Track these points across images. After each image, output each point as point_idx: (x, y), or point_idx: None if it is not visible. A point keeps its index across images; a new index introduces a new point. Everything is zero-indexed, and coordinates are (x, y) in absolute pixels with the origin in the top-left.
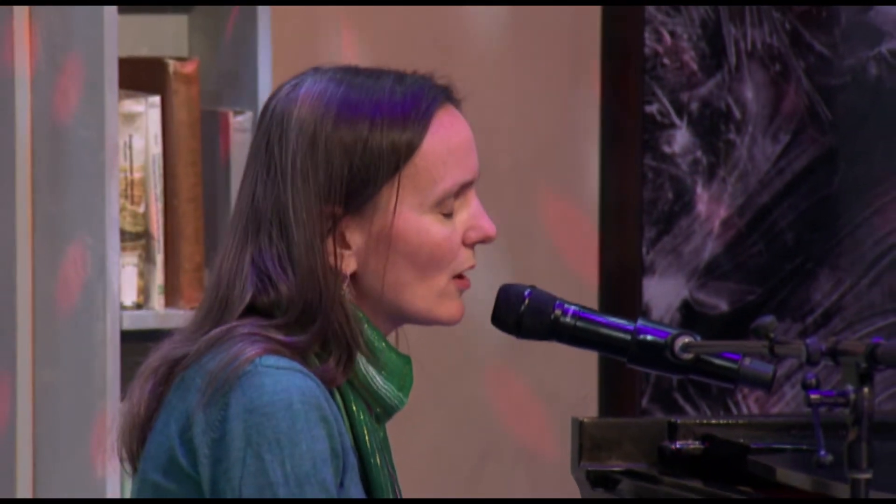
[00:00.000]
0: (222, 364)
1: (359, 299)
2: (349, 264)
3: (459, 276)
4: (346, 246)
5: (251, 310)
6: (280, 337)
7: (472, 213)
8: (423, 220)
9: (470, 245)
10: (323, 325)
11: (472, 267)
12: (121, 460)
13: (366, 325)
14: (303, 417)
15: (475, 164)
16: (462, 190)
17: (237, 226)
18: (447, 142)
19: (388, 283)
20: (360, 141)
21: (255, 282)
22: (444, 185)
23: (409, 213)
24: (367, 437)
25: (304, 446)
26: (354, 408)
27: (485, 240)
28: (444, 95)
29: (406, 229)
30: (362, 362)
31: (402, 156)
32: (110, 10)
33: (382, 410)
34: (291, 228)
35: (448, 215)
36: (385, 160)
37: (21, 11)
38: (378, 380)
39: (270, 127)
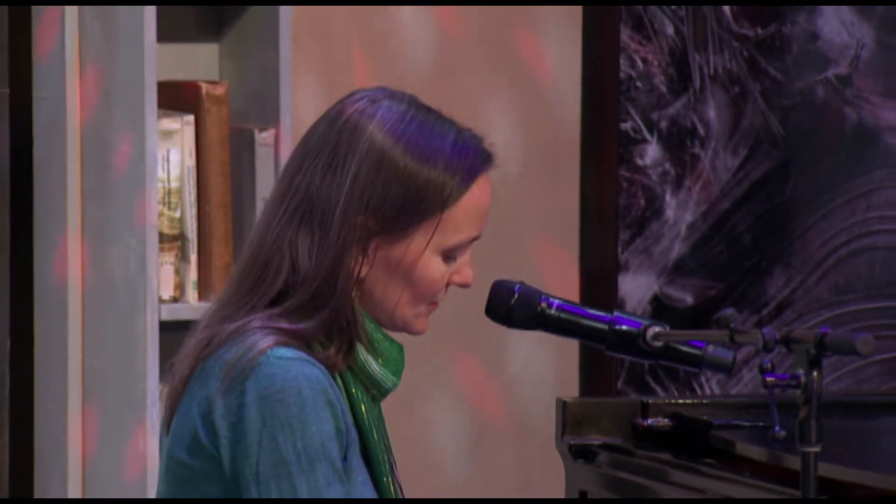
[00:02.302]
0: (238, 355)
1: (360, 300)
2: (363, 270)
3: (433, 303)
4: (365, 254)
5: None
6: (288, 325)
7: (463, 262)
8: (433, 259)
9: (449, 284)
10: (330, 316)
11: (441, 300)
12: (162, 423)
13: (366, 319)
14: (311, 402)
15: (485, 224)
16: (467, 245)
17: (287, 205)
18: (479, 203)
19: (385, 296)
20: (421, 177)
21: (289, 266)
22: (461, 237)
23: (427, 251)
24: (365, 416)
25: (313, 428)
26: (354, 390)
27: (462, 285)
28: (489, 161)
29: (419, 262)
30: (361, 351)
31: (447, 202)
32: (150, 40)
33: (378, 392)
34: (333, 224)
35: (449, 260)
36: (433, 201)
37: (72, 42)
38: (375, 366)
39: (343, 131)
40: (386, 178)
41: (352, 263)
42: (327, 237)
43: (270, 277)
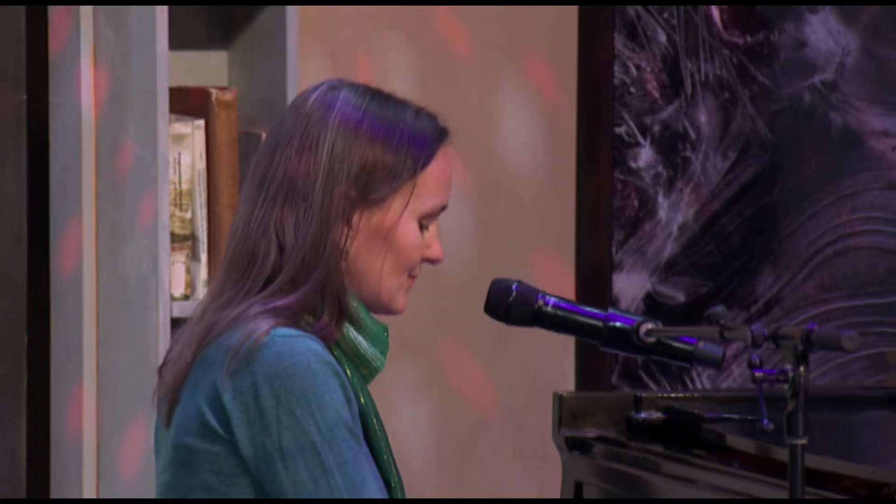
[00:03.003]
0: (241, 339)
1: (346, 277)
2: (349, 242)
3: (412, 277)
4: (349, 226)
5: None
6: (281, 301)
7: (432, 236)
8: (411, 224)
9: (425, 259)
10: (319, 285)
11: (418, 275)
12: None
13: (352, 299)
14: (320, 373)
15: (450, 195)
16: (438, 213)
17: (267, 191)
18: (443, 171)
19: (369, 264)
20: (394, 144)
21: (277, 247)
22: (435, 201)
23: (405, 216)
24: (361, 395)
25: (327, 397)
26: (348, 371)
27: (434, 260)
28: (446, 134)
29: (398, 227)
30: (351, 330)
31: (418, 167)
32: (162, 48)
33: (368, 372)
34: (315, 198)
35: (423, 227)
36: (407, 167)
37: (87, 49)
38: (364, 343)
39: (311, 114)
40: (362, 148)
41: (338, 234)
42: (311, 210)
43: (260, 260)
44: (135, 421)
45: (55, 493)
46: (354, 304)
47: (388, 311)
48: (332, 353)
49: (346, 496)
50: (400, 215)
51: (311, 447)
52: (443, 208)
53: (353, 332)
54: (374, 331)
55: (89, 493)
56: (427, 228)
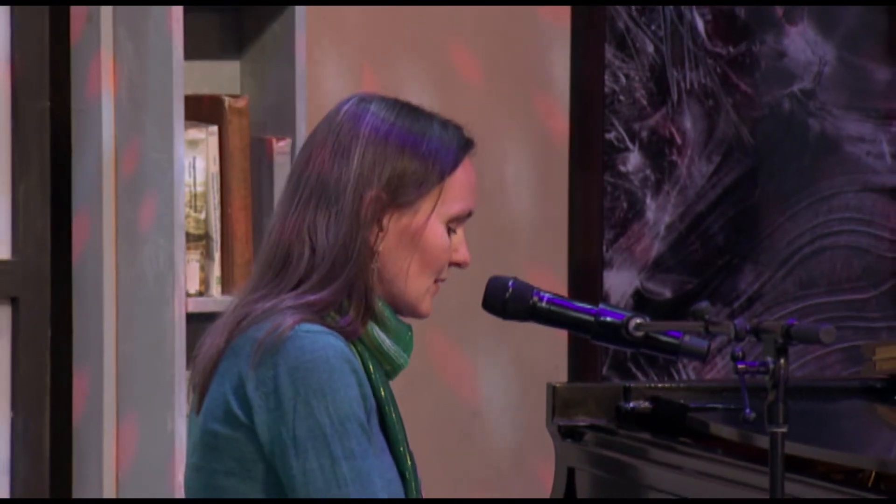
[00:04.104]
0: (268, 332)
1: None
2: (379, 244)
3: (437, 281)
4: (381, 229)
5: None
6: (312, 297)
7: (460, 240)
8: (439, 227)
9: (452, 264)
10: (348, 283)
11: (445, 279)
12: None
13: (377, 298)
14: (338, 370)
15: (476, 202)
16: (464, 218)
17: (301, 195)
18: (468, 178)
19: (398, 266)
20: (422, 152)
21: (310, 248)
22: (461, 206)
23: (434, 220)
24: (381, 389)
25: (342, 393)
26: (370, 366)
27: (461, 264)
28: (471, 145)
29: (426, 229)
30: (375, 329)
31: (445, 173)
32: (178, 58)
33: (392, 368)
34: (346, 200)
35: (451, 231)
36: (434, 173)
37: (107, 59)
38: (387, 341)
39: (343, 123)
40: (392, 154)
41: (369, 235)
42: (342, 213)
43: (294, 261)
44: (150, 407)
45: (77, 476)
46: (380, 304)
47: (414, 313)
48: (355, 348)
49: (350, 487)
50: (427, 217)
51: (322, 438)
52: (469, 214)
53: (377, 331)
54: (398, 330)
55: (109, 475)
56: (454, 232)
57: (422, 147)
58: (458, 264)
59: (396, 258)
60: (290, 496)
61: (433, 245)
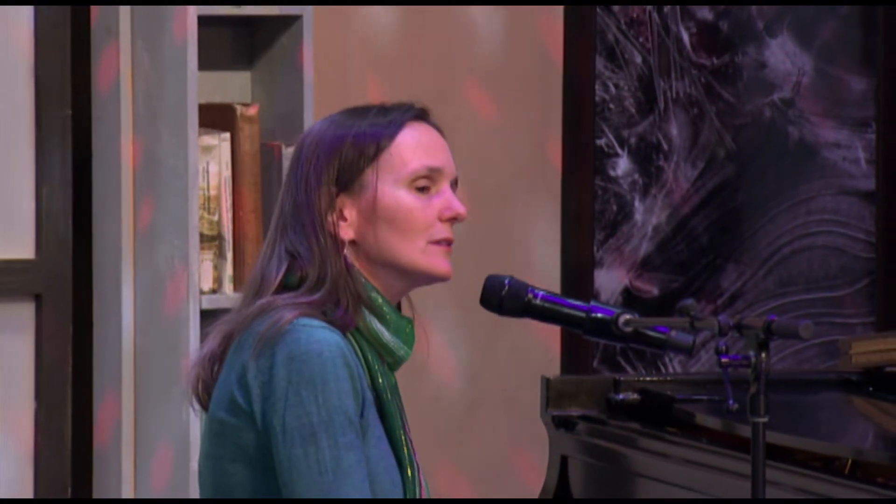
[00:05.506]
0: (268, 325)
1: (366, 264)
2: (347, 233)
3: (437, 243)
4: (343, 218)
5: (285, 287)
6: (306, 299)
7: (445, 198)
8: (398, 192)
9: (446, 220)
10: (332, 283)
11: (447, 239)
12: (195, 403)
13: (372, 292)
14: (330, 363)
15: (445, 159)
16: (432, 174)
17: (276, 224)
18: (416, 139)
19: (378, 243)
20: (353, 136)
21: (287, 264)
22: (412, 166)
23: (386, 187)
24: (380, 379)
25: (333, 385)
26: (369, 357)
27: (457, 217)
28: (416, 114)
29: (384, 199)
30: (374, 322)
31: (379, 148)
32: (192, 69)
33: (393, 360)
34: (304, 210)
35: (422, 190)
36: (366, 152)
37: (126, 70)
38: (386, 334)
39: (295, 153)
40: (328, 153)
41: (337, 231)
42: (307, 221)
43: (271, 282)
44: (166, 399)
45: (97, 465)
46: (375, 297)
47: (429, 277)
48: (354, 340)
49: (330, 475)
50: (375, 187)
51: (308, 427)
52: (434, 170)
53: (376, 324)
54: (398, 323)
55: (127, 460)
56: (427, 191)
57: (352, 132)
58: (451, 220)
59: (375, 237)
60: (278, 480)
61: (396, 209)
